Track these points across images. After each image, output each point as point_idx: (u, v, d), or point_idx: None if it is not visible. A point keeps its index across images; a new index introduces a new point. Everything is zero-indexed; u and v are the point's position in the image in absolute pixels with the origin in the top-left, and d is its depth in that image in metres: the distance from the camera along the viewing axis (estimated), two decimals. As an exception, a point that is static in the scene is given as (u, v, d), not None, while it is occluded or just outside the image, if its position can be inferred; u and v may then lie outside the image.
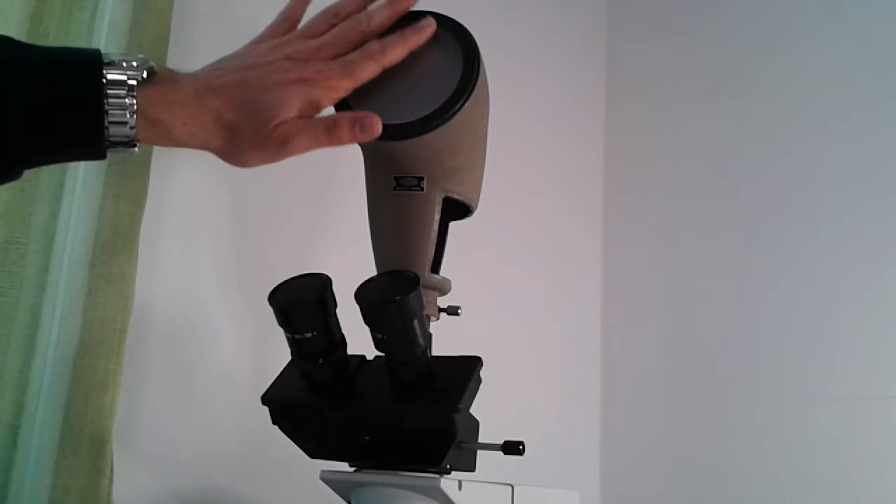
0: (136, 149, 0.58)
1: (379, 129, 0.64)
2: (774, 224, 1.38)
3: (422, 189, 0.75)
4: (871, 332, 1.24)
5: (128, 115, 0.56)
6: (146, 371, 0.98)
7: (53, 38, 0.91)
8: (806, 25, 1.43)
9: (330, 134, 0.63)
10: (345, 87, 0.65)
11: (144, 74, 0.57)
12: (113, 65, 0.56)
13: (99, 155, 0.57)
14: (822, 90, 1.38)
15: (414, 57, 0.68)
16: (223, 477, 1.02)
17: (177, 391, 1.01)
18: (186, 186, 1.04)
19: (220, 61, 0.66)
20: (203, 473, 1.01)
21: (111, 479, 0.87)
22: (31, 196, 0.87)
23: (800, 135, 1.39)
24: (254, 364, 1.06)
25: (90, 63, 0.56)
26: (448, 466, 0.71)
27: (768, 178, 1.41)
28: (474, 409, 0.72)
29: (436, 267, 0.79)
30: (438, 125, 0.70)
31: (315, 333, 0.68)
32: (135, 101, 0.56)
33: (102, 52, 0.57)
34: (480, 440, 0.74)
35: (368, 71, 0.66)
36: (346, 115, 0.65)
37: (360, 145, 0.78)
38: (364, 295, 0.67)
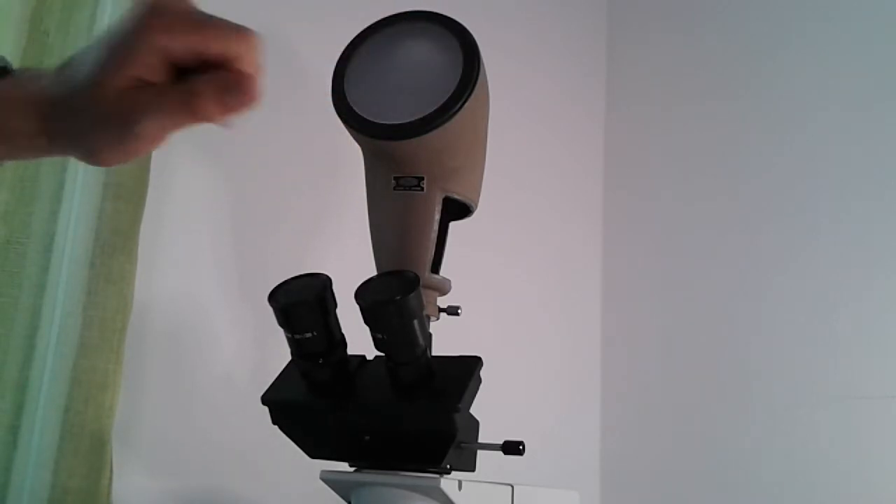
0: None
1: (256, 95, 0.47)
2: (774, 224, 1.38)
3: (422, 189, 0.75)
4: (871, 332, 1.24)
5: None
6: (146, 371, 0.98)
7: (53, 38, 0.91)
8: (806, 25, 1.43)
9: (188, 107, 0.46)
10: (198, 35, 0.47)
11: None
12: None
13: None
14: (821, 89, 1.38)
15: (414, 57, 0.68)
16: (223, 477, 1.02)
17: (177, 391, 1.01)
18: (186, 186, 1.04)
19: None
20: (203, 473, 1.01)
21: (111, 479, 0.87)
22: (31, 196, 0.88)
23: (799, 134, 1.39)
24: (254, 364, 1.06)
25: None
26: (448, 466, 0.71)
27: (768, 178, 1.41)
28: (474, 409, 0.72)
29: (436, 267, 0.79)
30: (438, 125, 0.70)
31: (315, 333, 0.68)
32: None
33: None
34: (480, 440, 0.74)
35: (222, 40, 0.48)
36: (210, 78, 0.46)
37: (360, 145, 0.78)
38: (364, 295, 0.67)
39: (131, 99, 0.46)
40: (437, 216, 0.76)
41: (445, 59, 0.72)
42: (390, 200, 0.77)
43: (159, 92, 0.46)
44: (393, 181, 0.76)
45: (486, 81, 0.75)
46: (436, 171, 0.75)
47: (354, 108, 0.74)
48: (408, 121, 0.71)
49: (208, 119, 0.46)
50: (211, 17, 0.48)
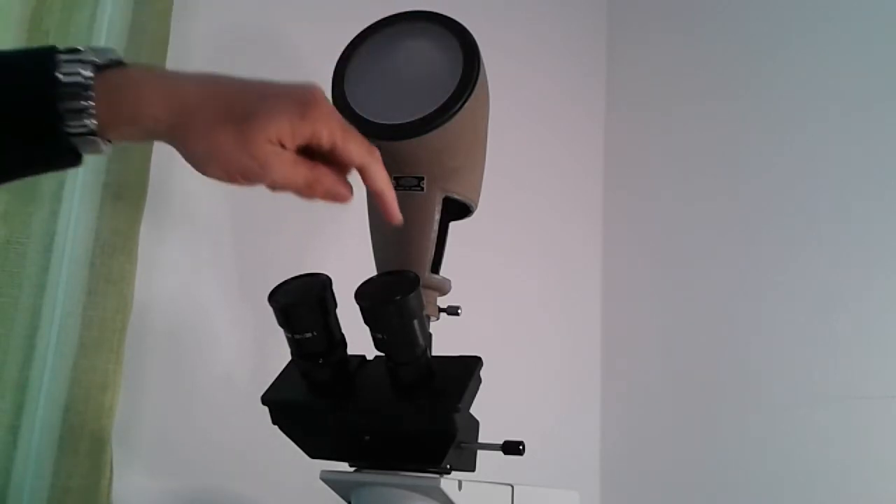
0: (99, 145, 0.54)
1: (348, 198, 0.62)
2: (774, 224, 1.38)
3: (422, 189, 0.75)
4: (871, 332, 1.24)
5: (82, 103, 0.51)
6: (146, 371, 0.98)
7: (53, 38, 0.91)
8: (806, 25, 1.43)
9: (306, 183, 0.59)
10: (338, 136, 0.59)
11: (107, 60, 0.53)
12: (71, 50, 0.52)
13: (62, 153, 0.53)
14: (821, 89, 1.38)
15: (414, 57, 0.68)
16: (223, 477, 1.02)
17: (177, 391, 1.01)
18: (186, 186, 1.04)
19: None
20: (203, 473, 1.01)
21: (111, 479, 0.87)
22: (31, 196, 0.88)
23: (799, 134, 1.39)
24: (254, 364, 1.06)
25: (42, 61, 0.52)
26: (448, 466, 0.71)
27: (768, 178, 1.41)
28: (474, 409, 0.72)
29: (436, 267, 0.79)
30: (438, 125, 0.70)
31: (315, 333, 0.68)
32: (90, 83, 0.51)
33: (61, 48, 0.53)
34: (480, 440, 0.74)
35: (359, 152, 0.61)
36: (329, 181, 0.60)
37: None
38: (364, 295, 0.67)
39: (269, 148, 0.56)
40: (437, 216, 0.76)
41: (445, 59, 0.72)
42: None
43: (294, 159, 0.57)
44: (393, 181, 0.76)
45: (486, 81, 0.75)
46: (436, 171, 0.76)
47: (354, 107, 0.74)
48: (408, 121, 0.71)
49: (310, 196, 0.60)
50: (352, 127, 0.61)
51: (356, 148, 0.60)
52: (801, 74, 1.41)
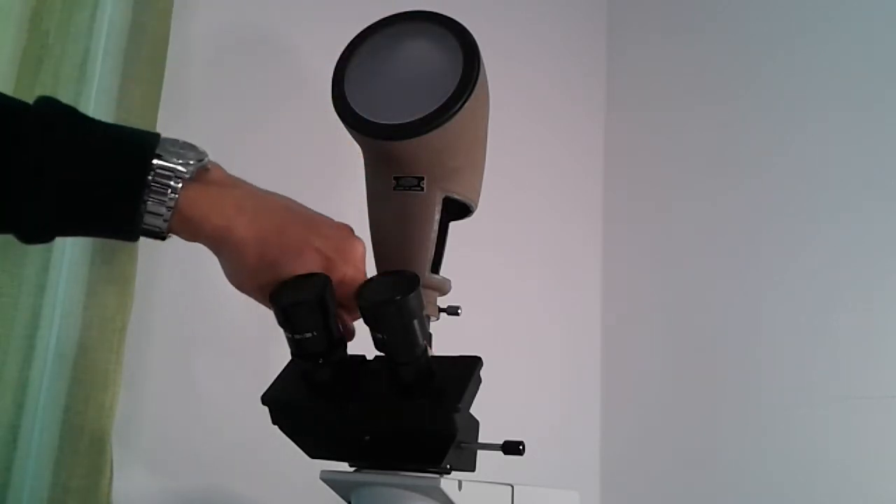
0: (163, 239, 0.60)
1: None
2: (775, 224, 1.38)
3: (422, 189, 0.75)
4: (871, 332, 1.24)
5: (164, 210, 0.58)
6: (146, 371, 0.98)
7: (53, 38, 0.91)
8: (806, 25, 1.43)
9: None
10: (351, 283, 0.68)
11: (192, 172, 0.60)
12: (167, 152, 0.58)
13: (131, 238, 0.59)
14: (822, 89, 1.38)
15: (414, 57, 0.68)
16: (223, 477, 1.02)
17: (177, 391, 1.01)
18: (186, 186, 1.04)
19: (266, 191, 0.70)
20: (203, 473, 1.01)
21: (111, 479, 0.87)
22: (31, 196, 0.87)
23: (800, 134, 1.39)
24: (254, 364, 1.06)
25: (142, 149, 0.58)
26: (448, 466, 0.71)
27: (768, 178, 1.41)
28: (474, 409, 0.72)
29: (436, 267, 0.79)
30: (438, 125, 0.70)
31: (315, 333, 0.68)
32: (176, 197, 0.58)
33: (161, 135, 0.60)
34: (480, 440, 0.74)
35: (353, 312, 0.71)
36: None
37: (360, 145, 0.78)
38: (364, 295, 0.67)
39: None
40: (437, 216, 0.76)
41: (445, 59, 0.72)
42: (390, 200, 0.77)
43: None
44: (393, 181, 0.76)
45: (486, 81, 0.75)
46: (436, 171, 0.75)
47: (354, 108, 0.74)
48: (408, 121, 0.71)
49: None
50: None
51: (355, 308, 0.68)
52: (801, 74, 1.41)
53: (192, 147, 0.61)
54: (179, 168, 0.59)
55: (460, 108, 0.70)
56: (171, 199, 0.58)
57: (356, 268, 0.69)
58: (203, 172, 0.62)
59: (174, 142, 0.60)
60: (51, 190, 0.55)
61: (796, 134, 1.39)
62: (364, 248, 0.71)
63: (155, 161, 0.58)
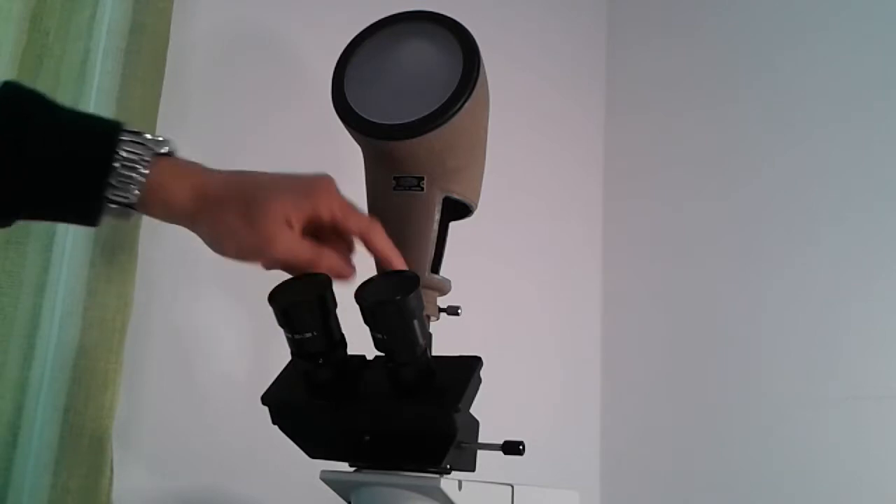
0: (130, 215, 0.61)
1: (350, 276, 0.70)
2: (775, 224, 1.38)
3: (422, 189, 0.75)
4: (871, 332, 1.24)
5: (136, 177, 0.59)
6: (146, 371, 0.98)
7: (53, 38, 0.91)
8: (806, 27, 1.43)
9: (315, 263, 0.67)
10: (337, 211, 0.67)
11: (164, 150, 0.62)
12: (135, 133, 0.61)
13: (95, 214, 0.60)
14: (822, 90, 1.38)
15: (414, 57, 0.68)
16: (223, 477, 1.02)
17: (177, 391, 1.01)
18: (186, 186, 1.04)
19: None
20: (203, 473, 1.01)
21: (111, 479, 0.87)
22: (31, 196, 0.87)
23: (799, 136, 1.39)
24: (254, 364, 1.06)
25: (112, 126, 0.60)
26: (448, 466, 0.71)
27: (768, 179, 1.41)
28: (474, 409, 0.72)
29: (436, 267, 0.79)
30: (439, 125, 0.70)
31: (315, 333, 0.68)
32: (146, 169, 0.60)
33: (127, 127, 0.61)
34: (480, 440, 0.74)
35: (358, 223, 0.69)
36: (333, 259, 0.68)
37: (360, 145, 0.78)
38: (364, 295, 0.67)
39: (275, 226, 0.64)
40: (437, 216, 0.76)
41: (445, 59, 0.72)
42: (390, 200, 0.77)
43: (299, 237, 0.65)
44: (393, 181, 0.76)
45: (487, 81, 0.75)
46: (436, 171, 0.75)
47: (354, 108, 0.74)
48: (408, 121, 0.71)
49: (317, 270, 0.67)
50: (353, 204, 0.69)
51: (355, 221, 0.68)
52: (802, 75, 1.41)
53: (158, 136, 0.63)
54: (149, 143, 0.61)
55: (460, 108, 0.70)
56: (142, 166, 0.59)
57: (336, 197, 0.68)
58: (171, 154, 0.64)
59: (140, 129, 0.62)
60: (18, 166, 0.56)
61: (796, 134, 1.39)
62: (333, 179, 0.69)
63: (124, 137, 0.60)
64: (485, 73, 0.74)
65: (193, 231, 0.65)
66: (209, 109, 1.08)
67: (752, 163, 1.44)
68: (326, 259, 0.67)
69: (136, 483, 0.95)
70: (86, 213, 0.60)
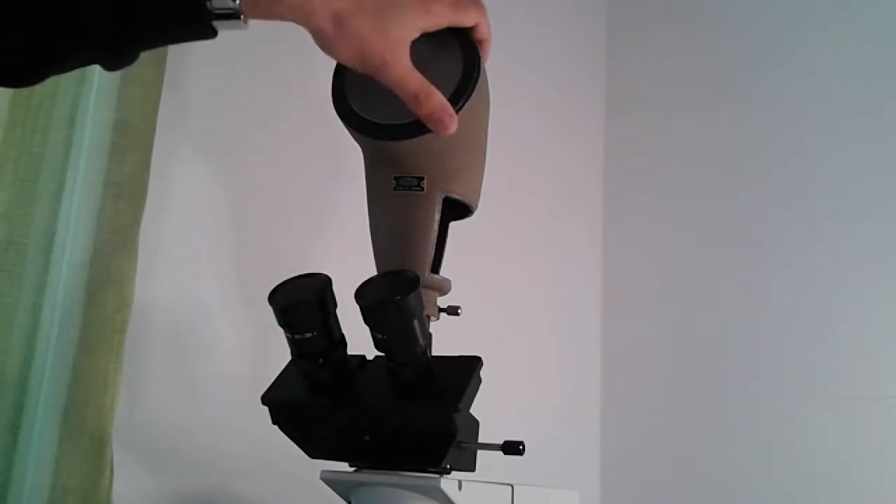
0: (243, 21, 0.56)
1: (452, 129, 0.66)
2: (775, 224, 1.38)
3: (422, 189, 0.75)
4: (871, 332, 1.24)
5: None
6: (146, 371, 0.98)
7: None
8: (807, 27, 1.43)
9: (417, 97, 0.63)
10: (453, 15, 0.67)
11: None
12: None
13: (204, 26, 0.55)
14: (822, 91, 1.38)
15: (414, 57, 0.68)
16: (223, 477, 1.02)
17: (177, 391, 1.01)
18: (186, 186, 1.04)
19: None
20: (203, 473, 1.01)
21: (111, 479, 0.87)
22: (31, 196, 0.87)
23: (800, 136, 1.39)
24: (254, 364, 1.06)
25: None
26: (448, 466, 0.71)
27: (768, 179, 1.41)
28: (474, 409, 0.72)
29: (436, 267, 0.79)
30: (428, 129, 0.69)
31: (315, 333, 0.68)
32: None
33: None
34: (480, 440, 0.74)
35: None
36: (440, 100, 0.65)
37: (361, 145, 0.78)
38: (364, 295, 0.67)
39: (400, 52, 0.61)
40: (438, 216, 0.76)
41: (445, 59, 0.72)
42: (390, 200, 0.77)
43: (415, 70, 0.62)
44: (393, 181, 0.76)
45: (487, 81, 0.75)
46: (436, 172, 0.75)
47: (354, 108, 0.74)
48: (407, 121, 0.71)
49: (416, 108, 0.65)
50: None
51: (472, 14, 0.69)
52: (802, 75, 1.41)
53: None
54: None
55: (460, 108, 0.70)
56: None
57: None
58: None
59: None
60: None
61: (796, 134, 1.39)
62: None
63: None
64: (485, 72, 0.74)
65: (304, 26, 0.61)
66: (209, 109, 1.08)
67: (752, 163, 1.44)
68: (434, 98, 0.64)
69: (136, 483, 0.95)
70: (192, 20, 0.55)
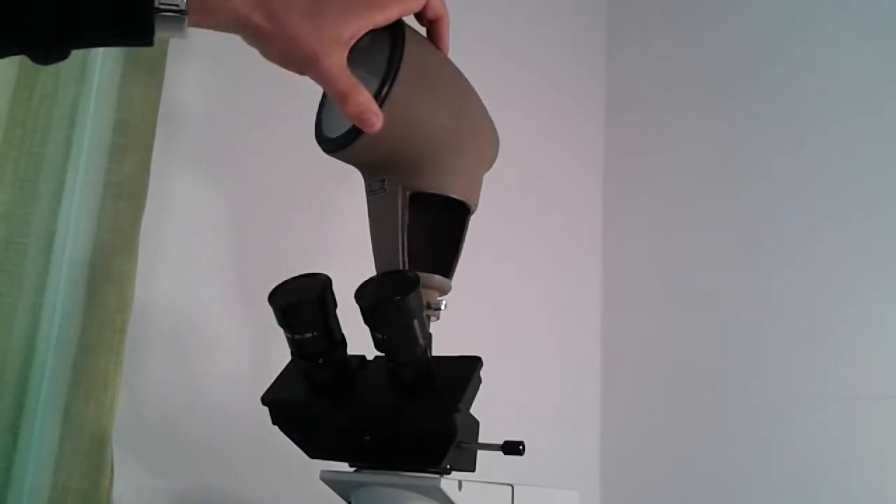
0: (183, 29, 0.56)
1: (377, 125, 0.65)
2: (775, 224, 1.38)
3: (385, 191, 0.75)
4: (871, 332, 1.24)
5: None
6: (146, 371, 0.98)
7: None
8: (807, 27, 1.43)
9: (347, 96, 0.63)
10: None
11: None
12: None
13: (142, 24, 0.54)
14: (822, 91, 1.38)
15: (355, 65, 0.66)
16: (223, 477, 1.02)
17: (177, 391, 1.01)
18: (186, 186, 1.04)
19: None
20: (203, 473, 1.01)
21: (111, 479, 0.87)
22: (31, 196, 0.87)
23: (800, 135, 1.39)
24: (254, 364, 1.06)
25: None
26: (448, 466, 0.71)
27: (768, 179, 1.41)
28: (474, 409, 0.72)
29: (447, 269, 0.79)
30: (360, 133, 0.68)
31: (315, 333, 0.68)
32: None
33: None
34: (480, 440, 0.74)
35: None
36: (367, 99, 0.64)
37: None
38: (364, 295, 0.67)
39: (331, 47, 0.61)
40: (403, 213, 0.74)
41: (377, 56, 0.70)
42: (369, 205, 0.78)
43: (345, 65, 0.62)
44: (368, 187, 0.77)
45: (425, 65, 0.71)
46: (396, 170, 0.74)
47: (322, 127, 0.75)
48: (346, 130, 0.70)
49: (343, 106, 0.64)
50: None
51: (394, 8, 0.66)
52: (803, 75, 1.41)
53: None
54: None
55: (383, 101, 0.67)
56: None
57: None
58: None
59: None
60: None
61: (796, 134, 1.39)
62: None
63: None
64: (421, 56, 0.70)
65: (244, 38, 0.61)
66: (209, 109, 1.08)
67: (752, 162, 1.44)
68: (361, 96, 0.63)
69: (136, 483, 0.94)
70: (134, 24, 0.55)
